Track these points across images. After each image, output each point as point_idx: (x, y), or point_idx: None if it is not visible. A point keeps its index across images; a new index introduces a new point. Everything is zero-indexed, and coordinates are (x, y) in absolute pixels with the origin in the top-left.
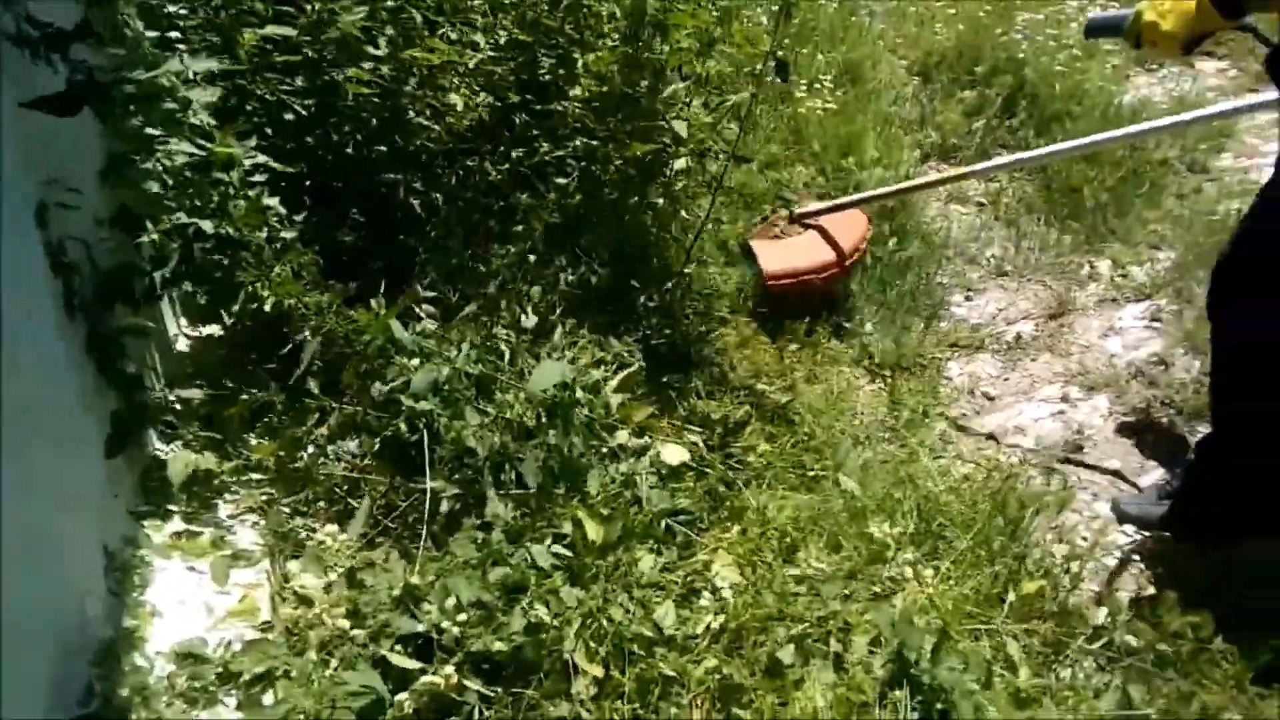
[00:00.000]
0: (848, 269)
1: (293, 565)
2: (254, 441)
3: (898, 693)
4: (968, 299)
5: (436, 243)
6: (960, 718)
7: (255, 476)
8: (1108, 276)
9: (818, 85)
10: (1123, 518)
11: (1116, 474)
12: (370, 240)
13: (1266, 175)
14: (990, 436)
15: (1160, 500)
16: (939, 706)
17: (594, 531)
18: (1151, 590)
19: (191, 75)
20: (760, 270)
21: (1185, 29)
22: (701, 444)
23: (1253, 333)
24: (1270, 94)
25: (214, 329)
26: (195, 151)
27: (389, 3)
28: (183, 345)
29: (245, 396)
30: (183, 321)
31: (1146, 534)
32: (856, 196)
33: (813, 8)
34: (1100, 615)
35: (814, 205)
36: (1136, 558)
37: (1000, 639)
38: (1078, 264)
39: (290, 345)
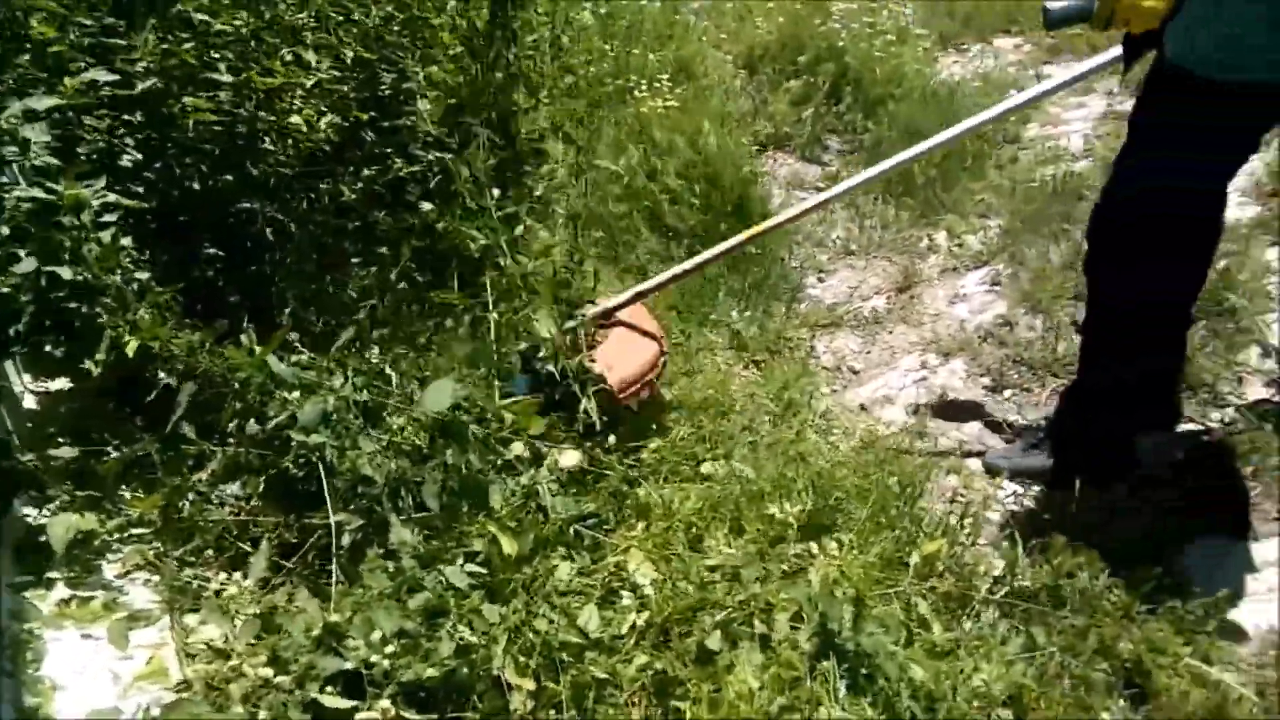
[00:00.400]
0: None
1: (190, 619)
2: (131, 496)
3: (825, 663)
4: (820, 280)
5: (291, 269)
6: (887, 678)
7: (138, 532)
8: (945, 247)
9: (656, 84)
10: (994, 471)
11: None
12: (225, 273)
13: (1075, 142)
14: (862, 408)
15: (1027, 451)
16: (864, 671)
17: (509, 545)
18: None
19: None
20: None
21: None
22: (597, 447)
23: (1119, 294)
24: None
25: (62, 382)
26: (43, 196)
27: (226, 28)
28: (30, 402)
29: (116, 450)
30: (26, 378)
31: (1022, 484)
32: (652, 282)
33: (637, 8)
34: (997, 566)
35: (604, 302)
36: (1020, 507)
37: (909, 599)
38: (917, 238)
39: (156, 391)
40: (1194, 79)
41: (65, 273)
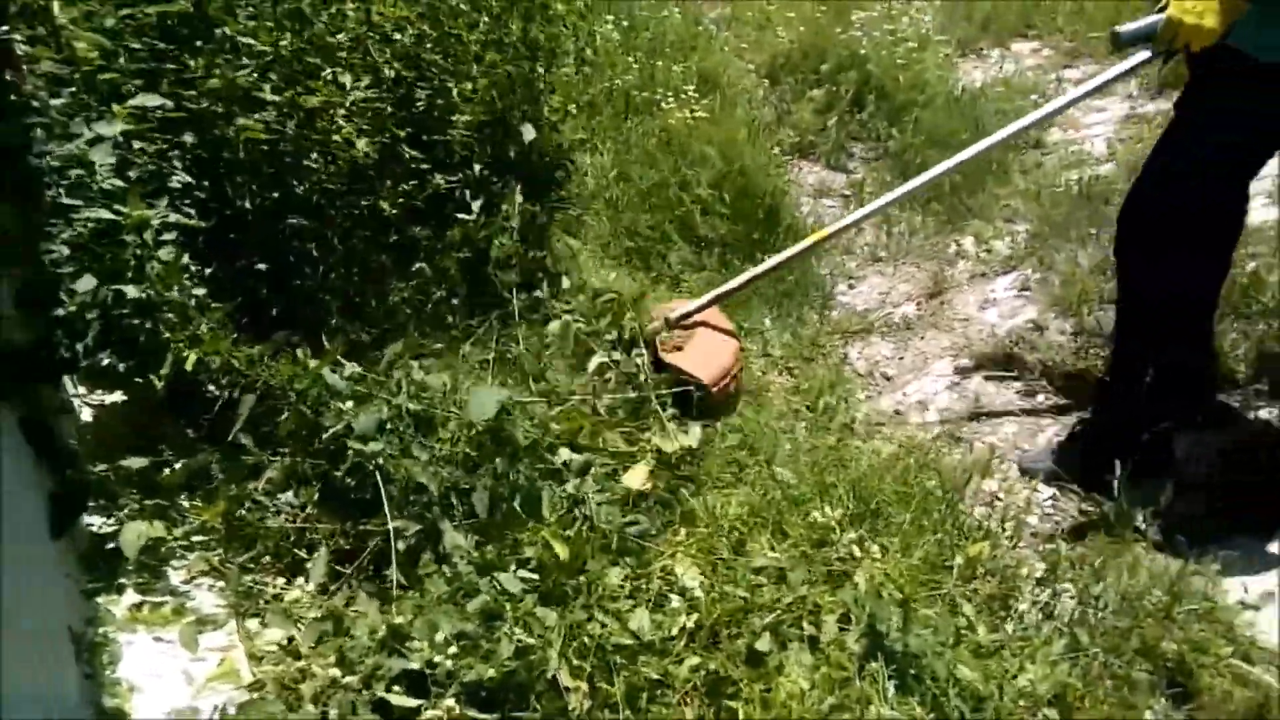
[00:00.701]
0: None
1: (252, 624)
2: (191, 505)
3: (874, 664)
4: (851, 287)
5: (335, 283)
6: (935, 678)
7: (201, 539)
8: (974, 253)
9: (683, 95)
10: (1030, 474)
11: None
12: (272, 288)
13: (1098, 146)
14: (897, 413)
15: (1061, 452)
16: (912, 671)
17: (562, 551)
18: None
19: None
20: (703, 383)
21: (1225, 22)
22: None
23: (1146, 283)
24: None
25: (117, 396)
26: (110, 216)
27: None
28: (87, 415)
29: (180, 460)
30: (81, 390)
31: (1058, 487)
32: (723, 288)
33: (659, 20)
34: (1039, 568)
35: (681, 307)
36: (1059, 511)
37: (954, 601)
38: (945, 244)
39: (217, 404)
40: (1249, 61)
41: (131, 290)
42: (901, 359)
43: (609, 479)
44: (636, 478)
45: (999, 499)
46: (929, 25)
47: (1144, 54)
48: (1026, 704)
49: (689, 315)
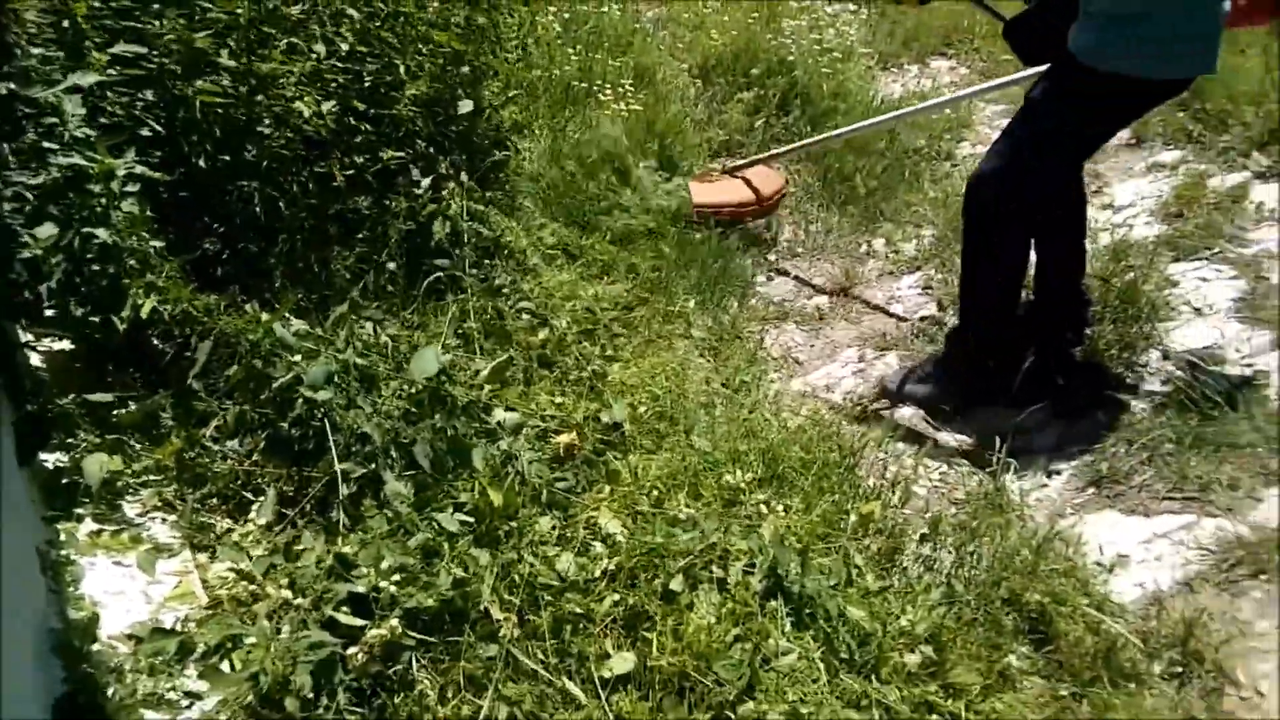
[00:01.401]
0: (768, 208)
1: (202, 557)
2: (143, 445)
3: (774, 603)
4: (769, 279)
5: (282, 248)
6: (828, 616)
7: (154, 478)
8: (883, 253)
9: (620, 89)
10: (889, 394)
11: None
12: (222, 247)
13: None
14: (805, 395)
15: (920, 381)
16: (808, 611)
17: (496, 498)
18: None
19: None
20: (761, 195)
21: None
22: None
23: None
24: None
25: (65, 343)
26: (81, 163)
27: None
28: (36, 360)
29: (134, 403)
30: (28, 337)
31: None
32: (770, 153)
33: (599, 16)
34: (923, 526)
35: (739, 161)
36: (945, 483)
37: (847, 552)
38: (857, 243)
39: (170, 352)
40: (1096, 76)
41: (102, 234)
42: (813, 346)
43: (540, 439)
44: (565, 439)
45: (890, 468)
46: (854, 38)
47: (1024, 73)
48: (906, 641)
49: (739, 168)
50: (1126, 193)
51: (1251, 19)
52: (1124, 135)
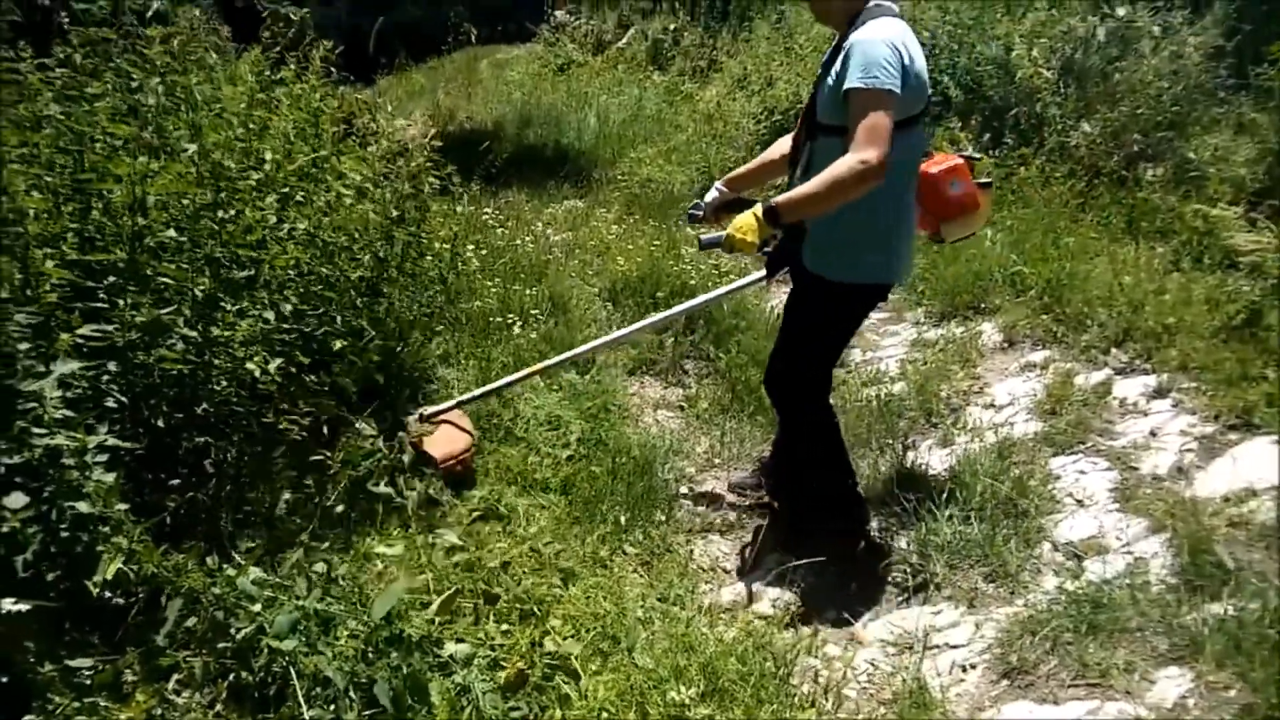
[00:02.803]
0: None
1: None
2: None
3: None
4: (691, 490)
5: (231, 496)
6: None
7: None
8: None
9: (530, 319)
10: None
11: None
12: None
13: (891, 365)
14: (735, 603)
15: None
16: None
17: None
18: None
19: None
20: (433, 459)
21: (758, 237)
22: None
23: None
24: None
25: (23, 605)
26: (64, 444)
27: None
28: None
29: (103, 663)
30: None
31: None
32: (465, 396)
33: (512, 251)
34: None
35: (434, 408)
36: (869, 679)
37: None
38: (769, 452)
39: (134, 609)
40: (825, 282)
41: (83, 506)
42: (738, 555)
43: (491, 669)
44: (514, 667)
45: (822, 674)
46: (747, 260)
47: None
48: None
49: (439, 413)
50: (1004, 392)
51: (924, 224)
52: (997, 338)
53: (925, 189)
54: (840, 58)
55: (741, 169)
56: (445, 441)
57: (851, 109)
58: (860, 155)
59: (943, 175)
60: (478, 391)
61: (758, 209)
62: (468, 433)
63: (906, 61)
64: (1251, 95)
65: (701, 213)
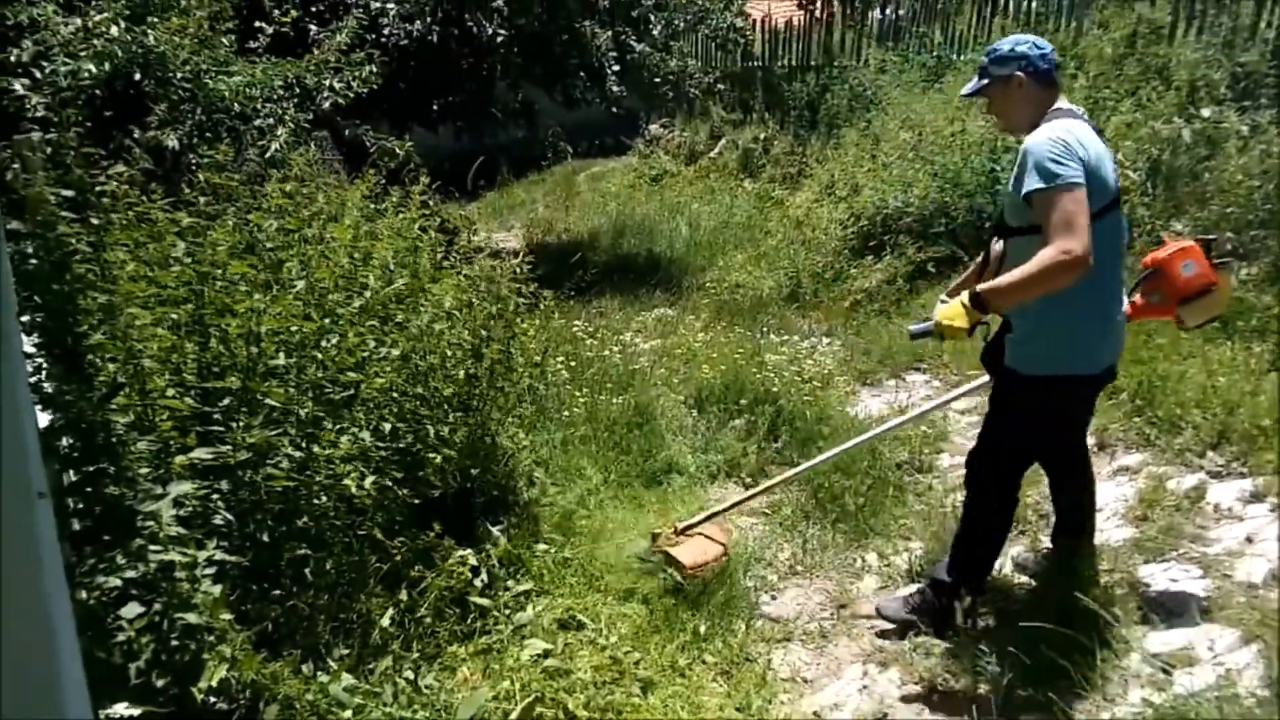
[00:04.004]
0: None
1: None
2: None
3: None
4: (773, 598)
5: (328, 605)
6: None
7: None
8: (877, 567)
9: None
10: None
11: None
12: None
13: None
14: (816, 715)
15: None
16: None
17: None
18: None
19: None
20: (682, 565)
21: (969, 323)
22: None
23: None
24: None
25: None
26: (178, 558)
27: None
28: None
29: None
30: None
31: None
32: (719, 508)
33: (600, 361)
34: None
35: (690, 520)
36: None
37: None
38: (852, 559)
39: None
40: (1019, 376)
41: (192, 618)
42: (818, 664)
43: None
44: None
45: None
46: (830, 365)
47: (980, 380)
48: None
49: (693, 526)
50: (1097, 497)
51: (1163, 311)
52: (1090, 442)
53: (1158, 274)
54: (1018, 162)
55: (960, 278)
56: (698, 550)
57: (1038, 210)
58: (1062, 246)
59: (1173, 258)
60: (725, 505)
61: (964, 296)
62: (720, 543)
63: (1081, 153)
64: None
65: (921, 328)
